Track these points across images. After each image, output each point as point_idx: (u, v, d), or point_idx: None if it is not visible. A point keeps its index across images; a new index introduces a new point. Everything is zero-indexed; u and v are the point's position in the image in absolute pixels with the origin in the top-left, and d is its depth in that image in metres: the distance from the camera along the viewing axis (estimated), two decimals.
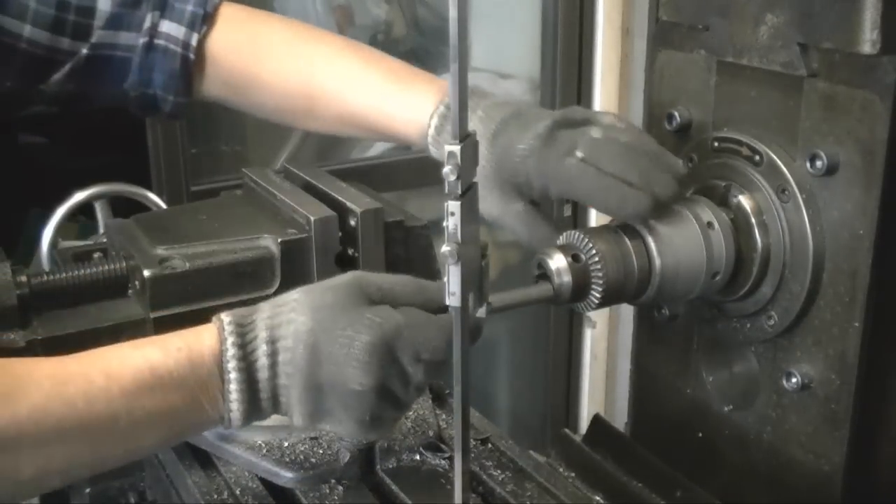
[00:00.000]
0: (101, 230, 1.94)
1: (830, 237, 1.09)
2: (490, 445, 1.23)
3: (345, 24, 2.51)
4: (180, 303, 1.08)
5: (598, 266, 1.04)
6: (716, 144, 1.20)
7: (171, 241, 1.12)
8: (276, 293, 1.10)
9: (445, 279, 0.84)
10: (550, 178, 1.06)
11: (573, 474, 1.36)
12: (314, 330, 0.89)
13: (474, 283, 0.89)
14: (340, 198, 1.16)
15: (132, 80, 1.27)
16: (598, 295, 1.05)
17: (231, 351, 0.89)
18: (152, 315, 1.07)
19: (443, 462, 1.17)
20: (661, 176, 1.05)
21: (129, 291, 1.13)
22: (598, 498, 1.29)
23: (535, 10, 2.57)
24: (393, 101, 1.19)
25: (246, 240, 1.13)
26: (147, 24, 1.25)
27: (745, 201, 1.15)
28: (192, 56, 1.26)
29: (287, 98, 1.26)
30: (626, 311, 2.40)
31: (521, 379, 2.93)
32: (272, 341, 0.89)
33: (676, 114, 1.25)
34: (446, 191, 0.81)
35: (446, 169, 0.80)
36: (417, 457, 1.18)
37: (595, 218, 2.39)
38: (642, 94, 1.35)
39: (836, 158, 1.07)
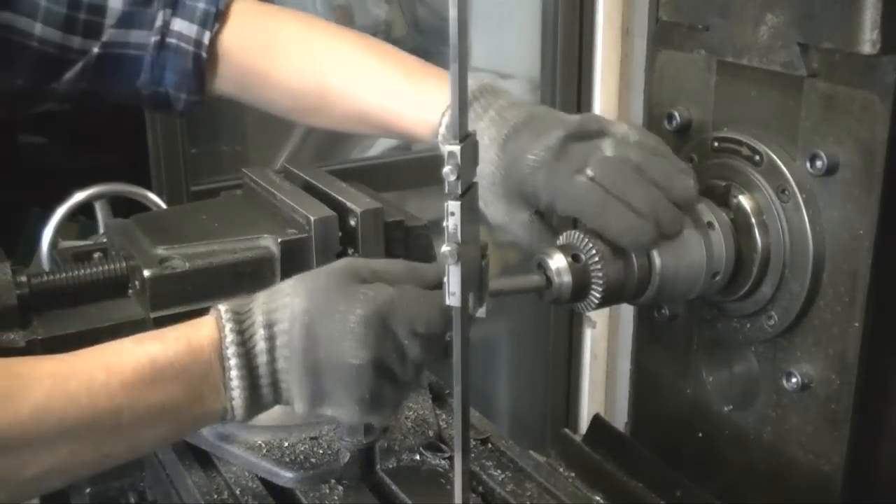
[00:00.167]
0: (101, 230, 1.94)
1: (830, 237, 1.09)
2: (490, 445, 1.24)
3: (345, 23, 2.51)
4: (180, 303, 1.08)
5: (598, 266, 1.04)
6: (716, 144, 1.20)
7: (171, 241, 1.12)
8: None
9: (445, 279, 0.84)
10: (558, 195, 1.04)
11: (573, 474, 1.36)
12: (309, 310, 0.89)
13: (474, 283, 0.89)
14: (340, 198, 1.16)
15: (144, 78, 1.27)
16: (598, 295, 1.05)
17: (230, 337, 0.89)
18: (152, 315, 1.07)
19: (443, 462, 1.17)
20: (668, 209, 1.03)
21: (129, 291, 1.13)
22: (598, 498, 1.29)
23: (535, 10, 2.58)
24: (404, 98, 1.18)
25: (246, 240, 1.13)
26: (158, 22, 1.24)
27: (745, 201, 1.15)
28: (204, 54, 1.26)
29: (298, 95, 1.26)
30: (626, 311, 2.40)
31: (521, 379, 2.93)
32: (269, 325, 0.90)
33: (676, 114, 1.25)
34: (446, 191, 0.81)
35: (446, 169, 0.80)
36: (417, 457, 1.18)
37: None
38: (642, 94, 1.35)
39: (836, 158, 1.07)
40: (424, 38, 2.59)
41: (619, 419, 1.52)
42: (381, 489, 1.16)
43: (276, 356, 0.90)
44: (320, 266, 1.11)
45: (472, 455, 1.20)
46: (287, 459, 1.14)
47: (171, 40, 1.25)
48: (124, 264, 1.13)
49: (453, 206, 0.81)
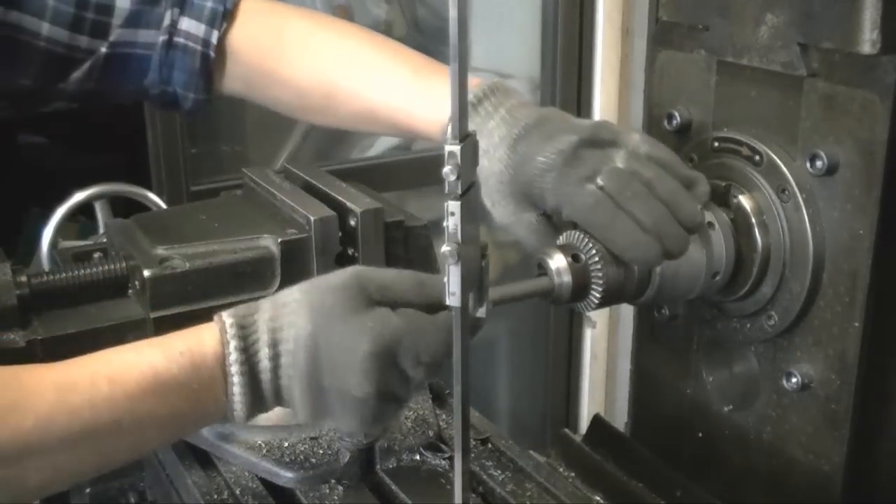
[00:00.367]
0: (101, 230, 1.94)
1: (830, 237, 1.09)
2: (490, 445, 1.24)
3: None
4: (180, 303, 1.08)
5: (598, 266, 1.04)
6: (716, 144, 1.20)
7: (171, 241, 1.12)
8: (276, 293, 1.10)
9: (445, 279, 0.84)
10: (565, 201, 1.03)
11: (573, 474, 1.36)
12: (315, 335, 0.88)
13: (474, 283, 0.89)
14: (340, 198, 1.16)
15: (152, 77, 1.26)
16: (598, 295, 1.05)
17: (234, 355, 0.88)
18: (152, 315, 1.07)
19: (443, 462, 1.17)
20: (675, 229, 1.02)
21: (129, 291, 1.13)
22: (598, 498, 1.29)
23: (535, 10, 2.57)
24: (412, 97, 1.17)
25: (246, 240, 1.13)
26: (166, 21, 1.24)
27: (745, 201, 1.15)
28: (212, 54, 1.25)
29: (307, 94, 1.25)
30: (626, 311, 2.40)
31: (521, 379, 2.93)
32: (274, 344, 0.89)
33: (676, 114, 1.25)
34: (446, 191, 0.81)
35: (446, 169, 0.80)
36: (417, 457, 1.18)
37: None
38: (642, 94, 1.35)
39: (836, 158, 1.07)
40: (424, 38, 2.59)
41: (619, 419, 1.52)
42: (381, 489, 1.16)
43: (281, 373, 0.89)
44: (320, 266, 1.12)
45: (472, 455, 1.20)
46: (287, 459, 1.14)
47: (179, 40, 1.25)
48: (124, 264, 1.12)
49: (453, 206, 0.81)
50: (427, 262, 1.20)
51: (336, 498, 1.13)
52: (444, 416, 1.27)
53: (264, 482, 1.16)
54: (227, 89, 1.30)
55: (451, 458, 1.16)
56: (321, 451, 1.15)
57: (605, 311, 2.64)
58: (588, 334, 2.71)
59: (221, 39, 1.25)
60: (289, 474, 1.13)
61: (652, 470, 1.31)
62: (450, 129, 0.80)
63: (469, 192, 0.83)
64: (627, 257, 1.02)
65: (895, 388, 1.14)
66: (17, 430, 0.82)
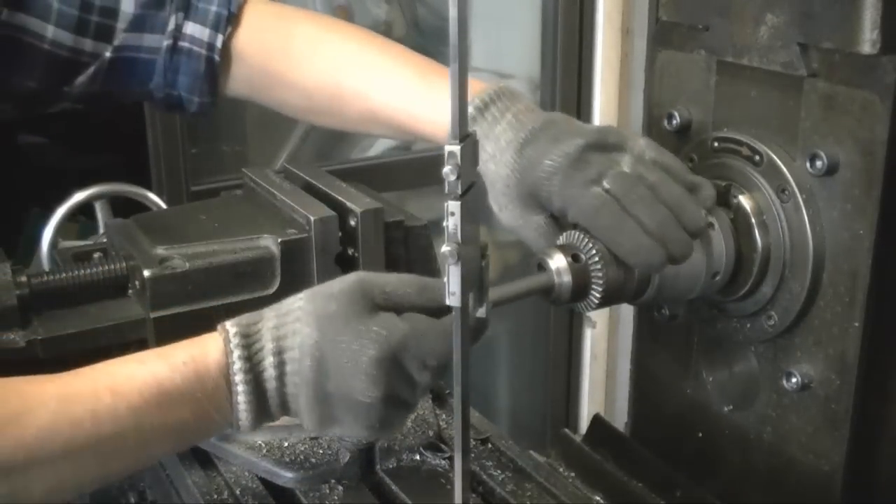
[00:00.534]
0: (101, 230, 1.94)
1: (830, 237, 1.09)
2: (490, 445, 1.24)
3: None
4: (180, 303, 1.08)
5: (598, 266, 1.04)
6: (716, 144, 1.20)
7: (171, 241, 1.12)
8: (276, 293, 1.10)
9: (445, 279, 0.84)
10: (571, 203, 1.03)
11: (573, 474, 1.36)
12: (320, 343, 0.88)
13: (474, 283, 0.89)
14: (340, 198, 1.16)
15: (157, 81, 1.26)
16: (598, 295, 1.05)
17: (238, 364, 0.88)
18: (152, 315, 1.07)
19: (443, 462, 1.17)
20: (679, 234, 1.02)
21: (129, 291, 1.13)
22: (598, 498, 1.29)
23: (535, 10, 2.57)
24: (419, 101, 1.17)
25: (246, 240, 1.13)
26: (171, 26, 1.24)
27: (745, 201, 1.15)
28: (216, 58, 1.25)
29: (313, 97, 1.26)
30: (626, 311, 2.40)
31: (521, 379, 2.93)
32: (278, 352, 0.89)
33: (676, 114, 1.25)
34: (446, 191, 0.81)
35: (446, 169, 0.80)
36: (417, 457, 1.18)
37: None
38: (642, 94, 1.35)
39: (836, 158, 1.07)
40: (424, 38, 2.59)
41: (619, 419, 1.52)
42: (381, 489, 1.16)
43: (286, 381, 0.89)
44: (320, 266, 1.12)
45: (472, 455, 1.20)
46: (287, 459, 1.14)
47: (184, 44, 1.25)
48: (124, 264, 1.13)
49: (453, 206, 0.81)
50: (427, 262, 1.20)
51: (336, 498, 1.13)
52: (444, 416, 1.27)
53: (264, 482, 1.16)
54: (232, 92, 1.30)
55: (451, 458, 1.16)
56: (321, 451, 1.15)
57: (605, 311, 2.64)
58: (588, 334, 2.71)
59: (226, 43, 1.25)
60: (289, 474, 1.13)
61: (652, 470, 1.31)
62: (449, 128, 0.80)
63: (469, 192, 0.83)
64: (632, 262, 1.02)
65: (895, 388, 1.14)
66: (20, 440, 0.82)
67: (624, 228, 1.01)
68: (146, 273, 1.07)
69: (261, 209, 1.22)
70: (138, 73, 1.26)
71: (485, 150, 1.09)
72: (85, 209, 1.99)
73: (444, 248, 0.82)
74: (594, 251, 1.03)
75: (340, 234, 1.13)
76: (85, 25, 1.20)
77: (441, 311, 0.91)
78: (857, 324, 1.08)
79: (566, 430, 1.46)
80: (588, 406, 2.75)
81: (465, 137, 0.82)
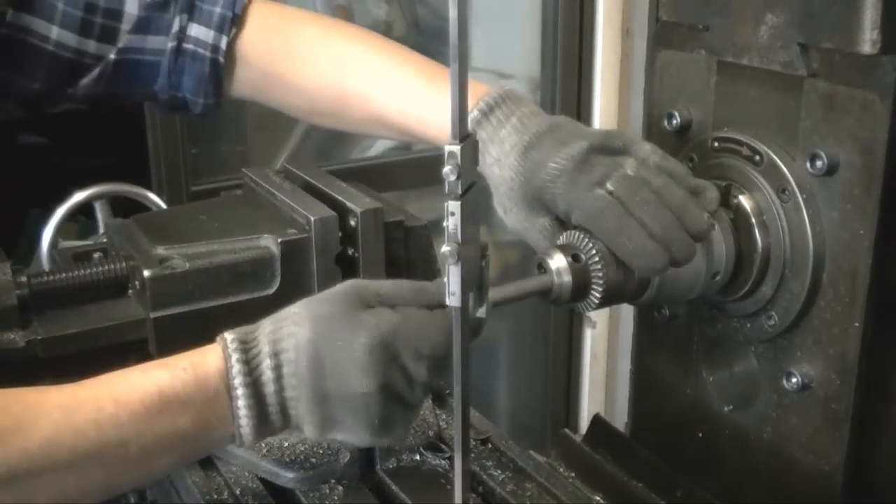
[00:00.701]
0: (101, 230, 1.94)
1: (830, 237, 1.09)
2: (490, 445, 1.24)
3: None
4: (180, 303, 1.08)
5: (598, 266, 1.04)
6: (716, 144, 1.20)
7: (171, 241, 1.12)
8: (276, 293, 1.10)
9: (445, 279, 0.84)
10: (575, 205, 1.03)
11: (573, 474, 1.36)
12: (314, 340, 0.89)
13: (474, 283, 0.89)
14: (340, 198, 1.16)
15: (161, 83, 1.26)
16: (598, 295, 1.05)
17: (236, 367, 0.88)
18: (152, 315, 1.07)
19: (443, 462, 1.17)
20: (682, 237, 1.02)
21: (129, 291, 1.13)
22: (598, 498, 1.29)
23: (535, 10, 2.58)
24: (424, 104, 1.17)
25: (246, 240, 1.13)
26: (175, 27, 1.24)
27: (745, 201, 1.15)
28: (221, 59, 1.25)
29: (317, 99, 1.25)
30: (626, 311, 2.40)
31: (521, 379, 2.93)
32: (275, 354, 0.89)
33: (676, 114, 1.25)
34: (446, 191, 0.81)
35: (446, 169, 0.80)
36: (417, 457, 1.18)
37: None
38: (642, 94, 1.36)
39: (836, 158, 1.07)
40: (424, 38, 2.59)
41: (619, 419, 1.52)
42: (381, 489, 1.16)
43: (285, 384, 0.89)
44: (320, 266, 1.12)
45: (472, 455, 1.20)
46: (287, 459, 1.14)
47: (188, 46, 1.25)
48: (124, 264, 1.13)
49: (453, 206, 0.81)
50: (427, 262, 1.20)
51: (336, 498, 1.13)
52: (444, 416, 1.27)
53: (264, 482, 1.16)
54: (236, 93, 1.30)
55: (451, 458, 1.16)
56: (321, 451, 1.15)
57: (605, 311, 2.64)
58: (588, 334, 2.71)
59: (230, 44, 1.25)
60: (289, 474, 1.13)
61: (652, 470, 1.31)
62: (450, 128, 0.80)
63: (469, 192, 0.83)
64: (635, 264, 1.02)
65: (895, 388, 1.14)
66: (24, 450, 0.82)
67: (628, 231, 1.01)
68: (146, 273, 1.07)
69: (261, 209, 1.22)
70: (143, 75, 1.26)
71: (489, 153, 1.09)
72: (85, 209, 1.99)
73: (444, 248, 0.82)
74: (594, 251, 1.03)
75: (340, 234, 1.13)
76: (89, 27, 1.21)
77: (436, 308, 0.92)
78: (857, 324, 1.08)
79: (566, 430, 1.46)
80: (588, 406, 2.75)
81: (465, 137, 0.82)
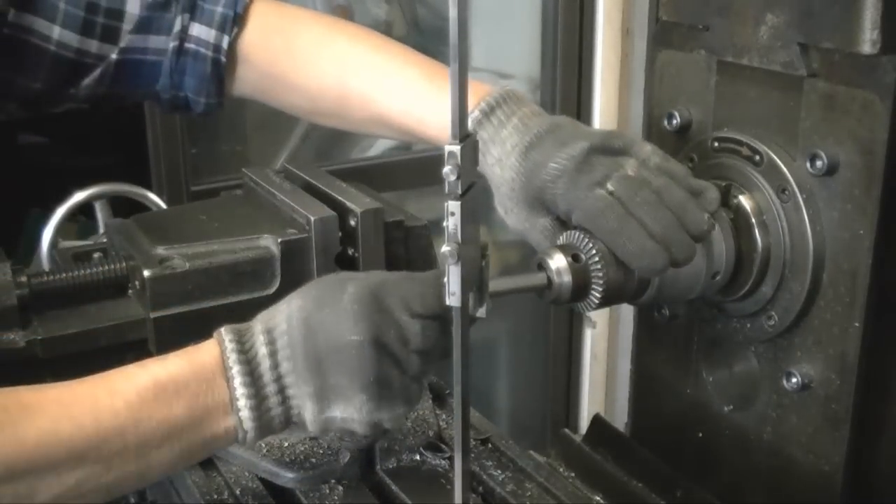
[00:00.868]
0: (101, 230, 1.94)
1: (830, 237, 1.09)
2: (490, 445, 1.23)
3: None
4: (180, 303, 1.08)
5: (598, 266, 1.04)
6: (716, 144, 1.20)
7: (171, 241, 1.12)
8: (276, 293, 1.10)
9: (445, 279, 0.84)
10: (575, 205, 1.03)
11: (573, 474, 1.36)
12: (304, 306, 0.92)
13: (474, 283, 0.89)
14: (340, 198, 1.16)
15: (163, 83, 1.26)
16: (598, 295, 1.05)
17: (230, 347, 0.90)
18: (152, 315, 1.07)
19: (443, 462, 1.17)
20: (682, 237, 1.02)
21: (129, 291, 1.13)
22: (598, 498, 1.29)
23: (535, 10, 2.58)
24: (426, 104, 1.17)
25: (246, 240, 1.13)
26: (177, 27, 1.24)
27: (745, 201, 1.15)
28: (223, 59, 1.25)
29: (319, 99, 1.25)
30: (626, 311, 2.40)
31: (521, 379, 2.93)
32: (268, 331, 0.91)
33: (676, 114, 1.25)
34: (446, 191, 0.81)
35: (446, 169, 0.80)
36: (417, 457, 1.18)
37: None
38: (642, 94, 1.36)
39: (836, 158, 1.07)
40: (424, 38, 2.59)
41: (619, 419, 1.52)
42: (381, 489, 1.16)
43: (279, 359, 0.90)
44: (320, 266, 1.12)
45: (472, 455, 1.20)
46: (287, 459, 1.14)
47: (190, 46, 1.25)
48: (124, 264, 1.13)
49: (453, 206, 0.81)
50: (427, 262, 1.20)
51: (336, 498, 1.13)
52: (444, 416, 1.27)
53: (264, 482, 1.16)
54: (238, 92, 1.30)
55: (451, 458, 1.16)
56: (321, 451, 1.15)
57: (605, 311, 2.64)
58: (588, 334, 2.71)
59: (232, 44, 1.25)
60: (289, 474, 1.13)
61: (652, 470, 1.31)
62: (449, 128, 0.80)
63: (469, 192, 0.83)
64: (635, 265, 1.02)
65: (895, 388, 1.14)
66: (21, 445, 0.82)
67: (628, 231, 1.01)
68: (146, 273, 1.07)
69: (261, 209, 1.22)
70: (144, 75, 1.26)
71: (491, 153, 1.09)
72: (85, 209, 2.00)
73: (444, 248, 0.82)
74: (594, 251, 1.03)
75: (340, 234, 1.13)
76: (91, 27, 1.21)
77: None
78: (857, 324, 1.08)
79: (566, 430, 1.46)
80: (588, 406, 2.75)
81: (465, 137, 0.82)
